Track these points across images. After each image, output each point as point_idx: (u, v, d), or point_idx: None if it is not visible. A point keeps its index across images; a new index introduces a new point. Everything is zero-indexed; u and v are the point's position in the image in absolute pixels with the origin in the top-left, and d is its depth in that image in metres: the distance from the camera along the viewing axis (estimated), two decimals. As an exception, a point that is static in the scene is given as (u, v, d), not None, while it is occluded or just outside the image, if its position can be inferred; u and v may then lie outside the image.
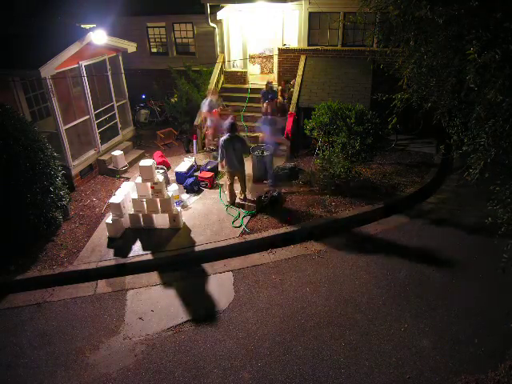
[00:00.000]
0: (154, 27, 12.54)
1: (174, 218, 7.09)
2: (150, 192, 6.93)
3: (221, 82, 11.98)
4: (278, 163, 9.11)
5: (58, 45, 7.79)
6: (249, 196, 8.11)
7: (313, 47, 11.25)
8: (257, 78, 12.59)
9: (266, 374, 4.58)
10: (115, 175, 9.23)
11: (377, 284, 5.90)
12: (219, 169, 8.78)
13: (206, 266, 6.43)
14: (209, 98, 10.04)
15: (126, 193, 7.17)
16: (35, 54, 7.57)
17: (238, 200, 7.99)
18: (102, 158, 9.41)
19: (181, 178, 8.69)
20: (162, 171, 8.24)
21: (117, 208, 6.88)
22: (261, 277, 6.16)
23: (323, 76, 10.59)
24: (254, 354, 4.86)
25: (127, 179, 8.98)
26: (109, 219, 6.94)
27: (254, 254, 6.69)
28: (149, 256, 6.52)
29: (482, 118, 4.16)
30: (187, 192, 8.40)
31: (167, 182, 8.27)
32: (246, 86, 11.88)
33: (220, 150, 7.56)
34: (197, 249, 6.66)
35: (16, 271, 6.24)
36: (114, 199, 6.96)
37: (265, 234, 6.91)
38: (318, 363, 4.69)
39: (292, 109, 9.81)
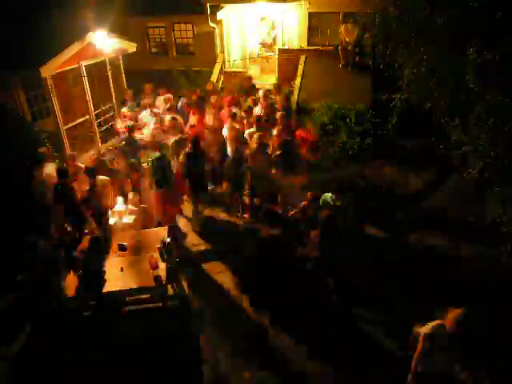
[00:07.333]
0: (154, 27, 12.55)
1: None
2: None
3: (220, 82, 11.96)
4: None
5: (58, 45, 7.80)
6: None
7: (313, 47, 11.25)
8: (256, 79, 12.53)
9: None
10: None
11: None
12: None
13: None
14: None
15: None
16: (35, 53, 7.56)
17: None
18: (102, 158, 9.39)
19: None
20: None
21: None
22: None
23: (323, 76, 10.59)
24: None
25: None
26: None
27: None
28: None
29: (482, 118, 4.17)
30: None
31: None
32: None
33: None
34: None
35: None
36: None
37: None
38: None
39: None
